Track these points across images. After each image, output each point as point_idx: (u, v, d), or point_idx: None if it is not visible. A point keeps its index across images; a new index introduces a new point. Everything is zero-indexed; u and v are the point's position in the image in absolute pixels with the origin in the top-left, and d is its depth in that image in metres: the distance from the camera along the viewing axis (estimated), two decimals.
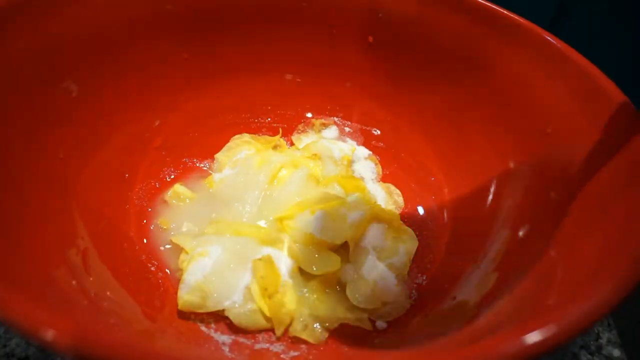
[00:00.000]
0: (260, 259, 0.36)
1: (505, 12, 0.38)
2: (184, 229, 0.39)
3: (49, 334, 0.18)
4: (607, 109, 0.31)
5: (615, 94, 0.31)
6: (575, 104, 0.33)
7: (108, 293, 0.32)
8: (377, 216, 0.39)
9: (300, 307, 0.35)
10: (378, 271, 0.36)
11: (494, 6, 0.38)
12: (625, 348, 0.36)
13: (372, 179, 0.44)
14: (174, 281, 0.36)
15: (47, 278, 0.28)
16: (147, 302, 0.34)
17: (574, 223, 0.30)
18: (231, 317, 0.34)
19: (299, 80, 0.47)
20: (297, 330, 0.34)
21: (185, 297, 0.34)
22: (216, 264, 0.35)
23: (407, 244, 0.39)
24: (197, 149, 0.45)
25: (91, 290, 0.30)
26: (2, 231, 0.27)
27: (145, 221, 0.40)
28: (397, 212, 0.42)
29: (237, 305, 0.34)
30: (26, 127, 0.33)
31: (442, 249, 0.39)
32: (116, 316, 0.30)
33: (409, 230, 0.40)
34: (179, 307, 0.34)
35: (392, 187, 0.44)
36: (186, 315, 0.35)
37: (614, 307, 0.21)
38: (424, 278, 0.38)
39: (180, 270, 0.36)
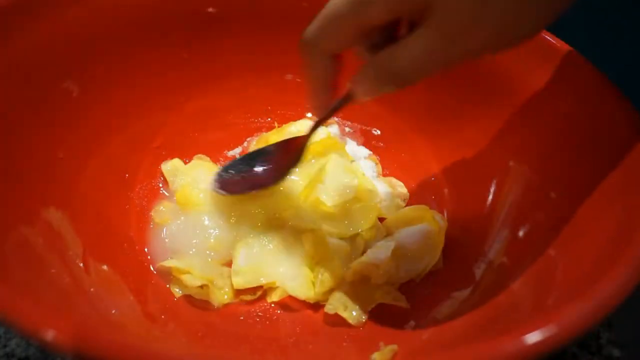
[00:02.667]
0: (310, 231, 0.37)
1: None
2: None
3: (49, 334, 0.18)
4: (607, 109, 0.31)
5: (615, 94, 0.31)
6: (576, 104, 0.33)
7: (108, 293, 0.32)
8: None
9: (341, 287, 0.36)
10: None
11: None
12: (625, 348, 0.36)
13: (373, 176, 0.44)
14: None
15: (47, 278, 0.28)
16: (147, 302, 0.34)
17: (574, 223, 0.30)
18: (287, 289, 0.36)
19: (299, 80, 0.47)
20: (338, 308, 0.34)
21: (238, 279, 0.36)
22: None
23: (432, 258, 0.38)
24: (197, 149, 0.45)
25: (91, 290, 0.30)
26: (2, 231, 0.27)
27: (145, 221, 0.40)
28: (403, 204, 0.42)
29: (287, 277, 0.36)
30: (26, 127, 0.33)
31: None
32: (116, 316, 0.30)
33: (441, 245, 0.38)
34: (235, 287, 0.36)
35: (394, 180, 0.44)
36: (185, 315, 0.35)
37: (614, 307, 0.21)
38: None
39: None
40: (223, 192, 0.39)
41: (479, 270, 0.35)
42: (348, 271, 0.36)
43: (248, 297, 0.36)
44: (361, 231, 0.38)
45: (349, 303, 0.35)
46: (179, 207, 0.40)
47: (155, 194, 0.42)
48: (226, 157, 0.46)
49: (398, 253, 0.36)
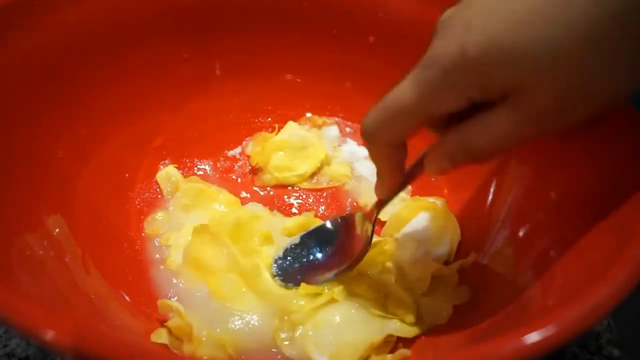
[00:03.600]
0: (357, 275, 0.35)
1: None
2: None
3: (49, 334, 0.18)
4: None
5: None
6: None
7: (108, 293, 0.32)
8: (423, 206, 0.38)
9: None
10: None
11: None
12: (625, 348, 0.36)
13: (373, 175, 0.44)
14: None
15: (47, 278, 0.28)
16: (147, 302, 0.34)
17: (574, 223, 0.30)
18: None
19: (299, 80, 0.47)
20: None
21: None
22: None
23: (453, 234, 0.37)
24: (197, 148, 0.45)
25: (91, 290, 0.30)
26: (2, 231, 0.27)
27: (144, 221, 0.40)
28: (407, 195, 0.42)
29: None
30: (26, 127, 0.33)
31: None
32: (115, 316, 0.30)
33: (454, 218, 0.38)
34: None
35: None
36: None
37: (614, 307, 0.21)
38: None
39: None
40: (290, 285, 0.35)
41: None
42: (421, 281, 0.34)
43: None
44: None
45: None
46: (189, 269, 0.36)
47: (155, 193, 0.42)
48: (226, 157, 0.46)
49: (420, 240, 0.36)
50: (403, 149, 0.28)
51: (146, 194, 0.41)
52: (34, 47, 0.34)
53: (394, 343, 0.33)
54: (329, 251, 0.37)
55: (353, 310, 0.34)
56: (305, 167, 0.45)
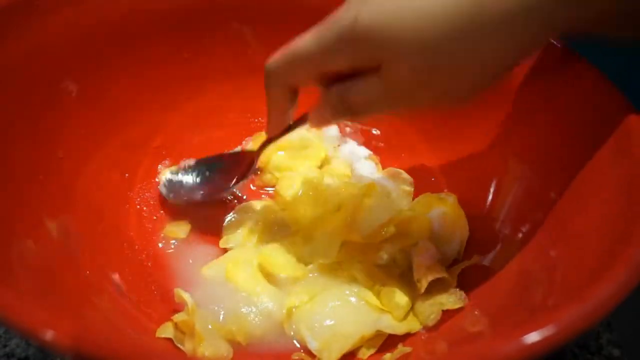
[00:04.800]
0: (358, 263, 0.36)
1: None
2: None
3: (49, 334, 0.18)
4: (607, 109, 0.31)
5: (615, 94, 0.31)
6: (576, 104, 0.33)
7: (107, 293, 0.32)
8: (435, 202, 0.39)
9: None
10: None
11: None
12: (625, 348, 0.36)
13: (373, 173, 0.44)
14: (173, 281, 0.36)
15: (47, 278, 0.28)
16: (147, 302, 0.34)
17: (574, 223, 0.30)
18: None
19: None
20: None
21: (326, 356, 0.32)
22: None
23: (463, 231, 0.37)
24: (197, 148, 0.45)
25: (90, 290, 0.30)
26: (1, 231, 0.27)
27: (144, 221, 0.40)
28: (410, 188, 0.42)
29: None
30: (26, 127, 0.33)
31: None
32: (115, 316, 0.30)
33: (464, 214, 0.38)
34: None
35: (393, 169, 0.44)
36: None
37: (613, 307, 0.21)
38: None
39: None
40: (172, 197, 0.40)
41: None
42: (420, 283, 0.34)
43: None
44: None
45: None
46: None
47: (155, 193, 0.42)
48: None
49: (433, 240, 0.37)
50: (294, 96, 0.32)
51: (146, 194, 0.41)
52: (34, 47, 0.34)
53: (385, 337, 0.33)
54: (218, 175, 0.41)
55: (351, 298, 0.34)
56: (305, 167, 0.45)
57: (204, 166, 0.42)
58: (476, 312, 0.31)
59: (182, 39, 0.43)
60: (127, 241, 0.38)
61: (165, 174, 0.42)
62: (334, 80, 0.29)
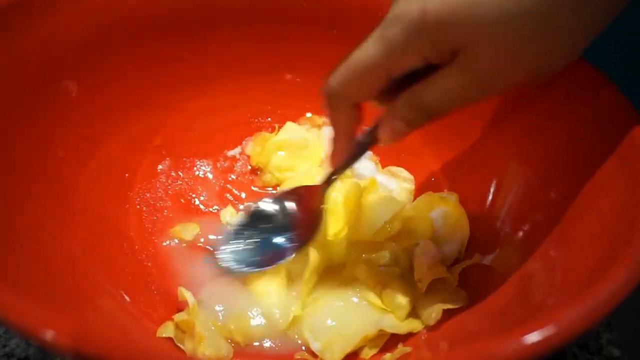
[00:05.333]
0: (362, 264, 0.35)
1: None
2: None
3: (49, 334, 0.18)
4: (607, 109, 0.31)
5: (615, 94, 0.31)
6: (576, 104, 0.33)
7: (107, 293, 0.32)
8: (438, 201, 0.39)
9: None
10: None
11: None
12: (625, 348, 0.36)
13: (373, 172, 0.44)
14: (173, 281, 0.36)
15: (47, 278, 0.28)
16: (146, 302, 0.34)
17: (574, 223, 0.30)
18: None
19: (298, 80, 0.47)
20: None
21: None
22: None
23: (464, 231, 0.37)
24: (197, 148, 0.45)
25: (90, 290, 0.30)
26: (1, 231, 0.27)
27: (144, 221, 0.40)
28: (411, 186, 0.43)
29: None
30: (26, 127, 0.33)
31: None
32: (115, 316, 0.30)
33: (465, 214, 0.38)
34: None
35: (393, 168, 0.44)
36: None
37: (613, 307, 0.21)
38: None
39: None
40: (244, 269, 0.34)
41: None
42: (421, 283, 0.34)
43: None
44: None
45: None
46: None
47: (155, 193, 0.42)
48: (226, 157, 0.46)
49: (434, 239, 0.37)
50: (360, 113, 0.30)
51: (146, 194, 0.41)
52: (34, 47, 0.34)
53: (387, 337, 0.33)
54: (283, 231, 0.35)
55: (353, 298, 0.34)
56: (305, 167, 0.45)
57: (260, 222, 0.36)
58: (477, 312, 0.31)
59: (182, 39, 0.43)
60: (127, 241, 0.38)
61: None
62: (397, 90, 0.27)
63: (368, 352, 0.32)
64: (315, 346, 0.32)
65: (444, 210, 0.38)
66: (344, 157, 0.32)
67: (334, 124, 0.30)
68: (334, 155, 0.32)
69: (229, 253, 0.35)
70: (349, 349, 0.32)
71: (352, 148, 0.31)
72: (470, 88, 0.25)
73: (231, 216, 0.41)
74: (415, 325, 0.33)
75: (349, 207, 0.36)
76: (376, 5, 0.42)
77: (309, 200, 0.35)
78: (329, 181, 0.34)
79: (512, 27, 0.22)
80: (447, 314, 0.33)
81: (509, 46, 0.23)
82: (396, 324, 0.33)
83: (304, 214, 0.36)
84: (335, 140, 0.31)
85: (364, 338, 0.32)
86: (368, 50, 0.26)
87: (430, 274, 0.34)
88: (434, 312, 0.33)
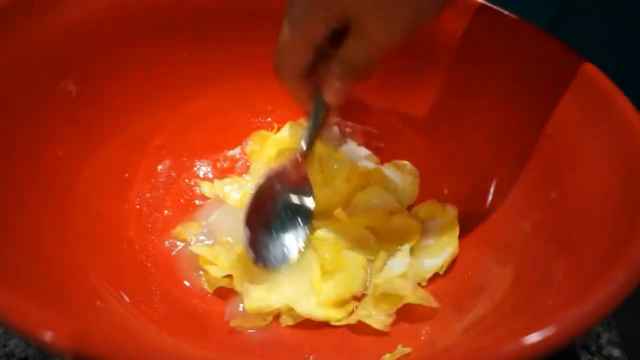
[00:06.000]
0: (322, 238, 0.37)
1: (506, 13, 0.38)
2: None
3: (48, 335, 0.18)
4: (607, 109, 0.31)
5: (615, 94, 0.31)
6: (576, 104, 0.33)
7: (107, 293, 0.32)
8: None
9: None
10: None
11: (495, 7, 0.38)
12: (625, 348, 0.36)
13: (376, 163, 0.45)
14: (173, 281, 0.36)
15: (47, 278, 0.28)
16: (146, 302, 0.34)
17: (574, 223, 0.30)
18: (298, 310, 0.34)
19: None
20: (361, 316, 0.34)
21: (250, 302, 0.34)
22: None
23: (452, 249, 0.37)
24: (197, 148, 0.45)
25: (90, 290, 0.30)
26: (1, 231, 0.27)
27: (144, 221, 0.40)
28: (416, 179, 0.43)
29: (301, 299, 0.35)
30: (26, 127, 0.33)
31: None
32: (114, 316, 0.30)
33: (457, 233, 0.38)
34: (248, 312, 0.34)
35: (398, 162, 0.44)
36: (185, 316, 0.35)
37: (614, 307, 0.21)
38: None
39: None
40: (278, 264, 0.36)
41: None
42: (374, 289, 0.35)
43: (260, 323, 0.34)
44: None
45: (374, 311, 0.34)
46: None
47: (155, 193, 0.42)
48: (226, 157, 0.46)
49: (418, 250, 0.37)
50: (308, 79, 0.35)
51: (146, 194, 0.41)
52: (33, 47, 0.33)
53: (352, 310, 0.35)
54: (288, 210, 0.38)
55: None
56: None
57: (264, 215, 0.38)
58: (477, 313, 0.31)
59: (182, 39, 0.43)
60: (127, 241, 0.38)
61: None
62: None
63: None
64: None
65: (441, 222, 0.39)
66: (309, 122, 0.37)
67: (294, 95, 0.36)
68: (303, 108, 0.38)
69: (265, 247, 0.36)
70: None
71: (313, 117, 0.36)
72: (370, 44, 0.31)
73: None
74: (332, 315, 0.34)
75: (348, 186, 0.39)
76: None
77: (296, 171, 0.38)
78: (304, 152, 0.37)
79: None
80: (448, 314, 0.33)
81: (388, 7, 0.28)
82: (311, 307, 0.34)
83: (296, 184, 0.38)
84: (299, 102, 0.37)
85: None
86: (285, 32, 0.32)
87: (385, 288, 0.35)
88: (380, 316, 0.34)
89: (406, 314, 0.35)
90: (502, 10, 0.38)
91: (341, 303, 0.35)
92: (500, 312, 0.30)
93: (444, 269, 0.37)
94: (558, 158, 0.34)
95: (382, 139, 0.47)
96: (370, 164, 0.45)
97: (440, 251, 0.37)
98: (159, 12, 0.41)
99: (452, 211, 0.39)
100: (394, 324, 0.34)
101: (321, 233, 0.38)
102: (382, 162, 0.46)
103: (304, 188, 0.38)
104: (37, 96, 0.34)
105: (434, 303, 0.34)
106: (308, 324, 0.35)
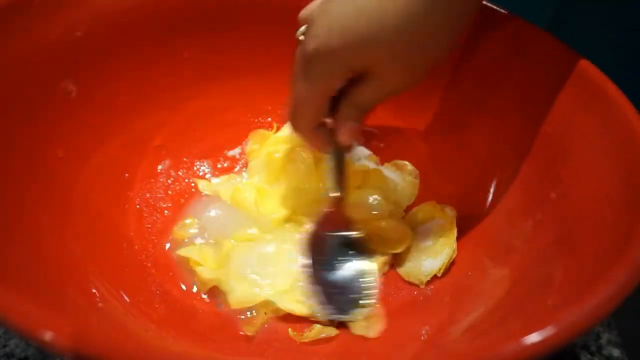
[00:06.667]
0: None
1: (506, 12, 0.38)
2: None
3: (48, 335, 0.18)
4: (607, 109, 0.31)
5: (615, 94, 0.31)
6: (575, 104, 0.33)
7: (106, 293, 0.32)
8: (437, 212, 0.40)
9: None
10: None
11: (495, 7, 0.38)
12: (625, 348, 0.36)
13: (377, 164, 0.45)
14: (173, 281, 0.36)
15: (47, 278, 0.28)
16: (146, 302, 0.34)
17: (574, 223, 0.30)
18: (280, 305, 0.34)
19: None
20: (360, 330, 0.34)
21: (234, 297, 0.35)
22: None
23: (450, 250, 0.37)
24: (197, 148, 0.45)
25: (89, 290, 0.30)
26: (1, 231, 0.27)
27: (144, 221, 0.40)
28: (416, 180, 0.43)
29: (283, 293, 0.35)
30: (26, 127, 0.33)
31: None
32: (114, 316, 0.30)
33: (455, 235, 0.38)
34: (232, 307, 0.35)
35: (399, 162, 0.44)
36: (185, 316, 0.35)
37: (614, 307, 0.21)
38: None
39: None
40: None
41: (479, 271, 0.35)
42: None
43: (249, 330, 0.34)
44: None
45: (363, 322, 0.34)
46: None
47: (155, 193, 0.42)
48: (226, 157, 0.46)
49: (417, 251, 0.38)
50: (323, 128, 0.36)
51: (146, 194, 0.41)
52: (34, 47, 0.34)
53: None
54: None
55: (268, 248, 0.38)
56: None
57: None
58: (477, 313, 0.31)
59: (182, 39, 0.43)
60: (127, 241, 0.38)
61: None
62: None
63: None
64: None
65: (439, 223, 0.39)
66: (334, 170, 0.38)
67: (311, 143, 0.38)
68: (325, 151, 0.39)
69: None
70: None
71: (333, 161, 0.38)
72: (386, 90, 0.33)
73: None
74: (297, 309, 0.35)
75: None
76: None
77: (337, 216, 0.38)
78: (338, 197, 0.38)
79: (402, 41, 0.29)
80: (448, 314, 0.33)
81: (405, 53, 0.30)
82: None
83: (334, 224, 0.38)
84: (321, 149, 0.38)
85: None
86: (300, 87, 0.34)
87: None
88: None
89: (406, 313, 0.35)
90: (502, 10, 0.38)
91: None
92: (500, 312, 0.30)
93: (442, 270, 0.37)
94: (558, 158, 0.33)
95: (382, 139, 0.47)
96: (371, 164, 0.45)
97: (438, 253, 0.37)
98: (159, 12, 0.41)
99: (450, 213, 0.39)
100: (394, 324, 0.34)
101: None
102: (382, 162, 0.46)
103: (348, 229, 0.38)
104: (37, 96, 0.34)
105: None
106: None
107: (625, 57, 0.47)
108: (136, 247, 0.38)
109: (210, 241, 0.39)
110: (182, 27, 0.42)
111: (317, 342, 0.34)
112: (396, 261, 0.39)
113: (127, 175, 0.41)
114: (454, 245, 0.37)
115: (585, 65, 0.33)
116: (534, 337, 0.19)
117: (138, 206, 0.40)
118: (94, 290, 0.31)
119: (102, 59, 0.38)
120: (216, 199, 0.42)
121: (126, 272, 0.35)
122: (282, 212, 0.40)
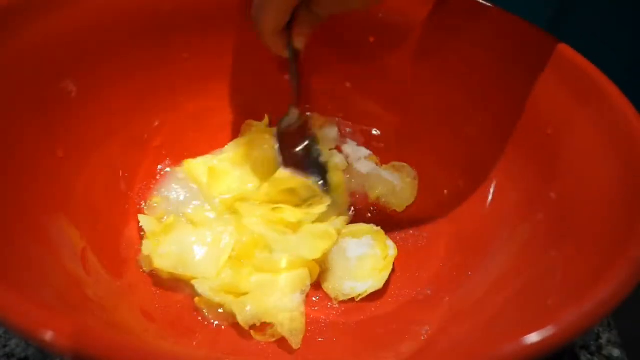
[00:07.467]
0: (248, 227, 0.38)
1: (506, 12, 0.38)
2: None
3: (48, 335, 0.18)
4: (607, 109, 0.31)
5: (614, 94, 0.31)
6: (576, 104, 0.33)
7: (106, 293, 0.32)
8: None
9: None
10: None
11: (495, 7, 0.38)
12: (625, 348, 0.36)
13: (376, 168, 0.45)
14: (173, 281, 0.36)
15: (46, 279, 0.28)
16: (146, 302, 0.34)
17: (574, 223, 0.30)
18: (195, 286, 0.35)
19: None
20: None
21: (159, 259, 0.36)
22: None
23: (377, 283, 0.37)
24: (197, 148, 0.45)
25: (90, 291, 0.30)
26: (1, 231, 0.27)
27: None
28: (415, 181, 0.43)
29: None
30: (26, 127, 0.33)
31: (442, 249, 0.39)
32: (114, 316, 0.30)
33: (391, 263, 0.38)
34: (155, 266, 0.36)
35: (397, 163, 0.44)
36: (186, 316, 0.35)
37: (614, 308, 0.21)
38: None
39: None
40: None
41: (479, 271, 0.35)
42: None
43: (259, 337, 0.34)
44: None
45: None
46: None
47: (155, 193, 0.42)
48: None
49: (342, 270, 0.37)
50: (283, 34, 0.39)
51: (146, 194, 0.41)
52: (34, 47, 0.33)
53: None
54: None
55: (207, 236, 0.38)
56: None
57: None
58: (476, 312, 0.31)
59: (182, 39, 0.42)
60: (127, 241, 0.38)
61: None
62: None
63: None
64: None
65: (376, 254, 0.38)
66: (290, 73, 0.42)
67: (271, 47, 0.40)
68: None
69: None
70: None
71: (291, 63, 0.41)
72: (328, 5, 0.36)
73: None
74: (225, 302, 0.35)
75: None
76: (376, 7, 0.42)
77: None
78: (297, 98, 0.43)
79: None
80: (448, 314, 0.33)
81: None
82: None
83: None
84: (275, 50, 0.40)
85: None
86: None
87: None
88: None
89: (406, 313, 0.35)
90: (502, 10, 0.38)
91: (234, 293, 0.35)
92: (500, 312, 0.30)
93: (360, 297, 0.36)
94: (558, 158, 0.34)
95: (382, 140, 0.47)
96: (371, 164, 0.45)
97: (363, 279, 0.37)
98: (159, 13, 0.41)
99: (391, 251, 0.38)
100: (394, 324, 0.34)
101: (251, 221, 0.39)
102: (382, 163, 0.46)
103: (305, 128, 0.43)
104: (37, 96, 0.34)
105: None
106: (308, 327, 0.35)
107: (625, 57, 0.47)
108: (136, 247, 0.38)
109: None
110: (182, 27, 0.42)
111: (317, 343, 0.34)
112: (322, 272, 0.38)
113: (127, 175, 0.41)
114: (383, 281, 0.37)
115: (585, 65, 0.33)
116: (533, 337, 0.19)
117: (138, 206, 0.40)
118: (92, 291, 0.31)
119: (102, 59, 0.38)
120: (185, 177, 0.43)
121: (126, 272, 0.35)
122: (232, 194, 0.41)
